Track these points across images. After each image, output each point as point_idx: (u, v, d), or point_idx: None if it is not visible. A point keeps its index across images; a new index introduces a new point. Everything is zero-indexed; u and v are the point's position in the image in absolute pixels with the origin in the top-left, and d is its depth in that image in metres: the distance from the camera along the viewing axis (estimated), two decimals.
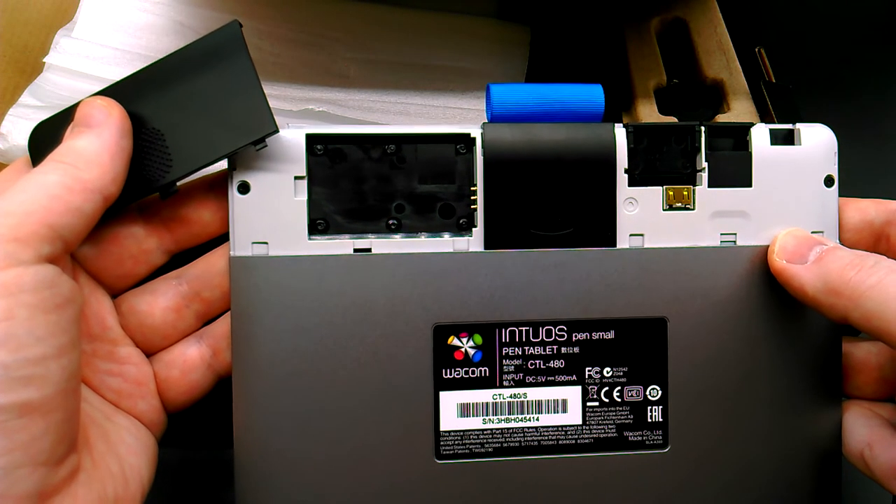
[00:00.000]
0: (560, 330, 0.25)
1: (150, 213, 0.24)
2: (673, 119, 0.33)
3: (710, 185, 0.26)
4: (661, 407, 0.26)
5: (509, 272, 0.25)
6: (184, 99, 0.23)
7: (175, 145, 0.23)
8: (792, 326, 0.26)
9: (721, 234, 0.26)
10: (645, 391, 0.26)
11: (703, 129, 0.26)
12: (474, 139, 0.25)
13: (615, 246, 0.25)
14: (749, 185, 0.26)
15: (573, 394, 0.26)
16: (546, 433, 0.25)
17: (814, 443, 0.26)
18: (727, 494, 0.26)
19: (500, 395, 0.25)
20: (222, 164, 0.24)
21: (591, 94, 0.25)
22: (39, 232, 0.20)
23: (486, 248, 0.25)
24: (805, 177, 0.26)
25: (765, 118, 0.33)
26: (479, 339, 0.25)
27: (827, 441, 0.26)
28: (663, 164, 0.26)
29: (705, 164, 0.26)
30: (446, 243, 0.25)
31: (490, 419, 0.25)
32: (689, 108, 0.35)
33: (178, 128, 0.23)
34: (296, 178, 0.25)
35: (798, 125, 0.26)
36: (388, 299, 0.25)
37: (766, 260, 0.26)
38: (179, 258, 0.25)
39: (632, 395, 0.26)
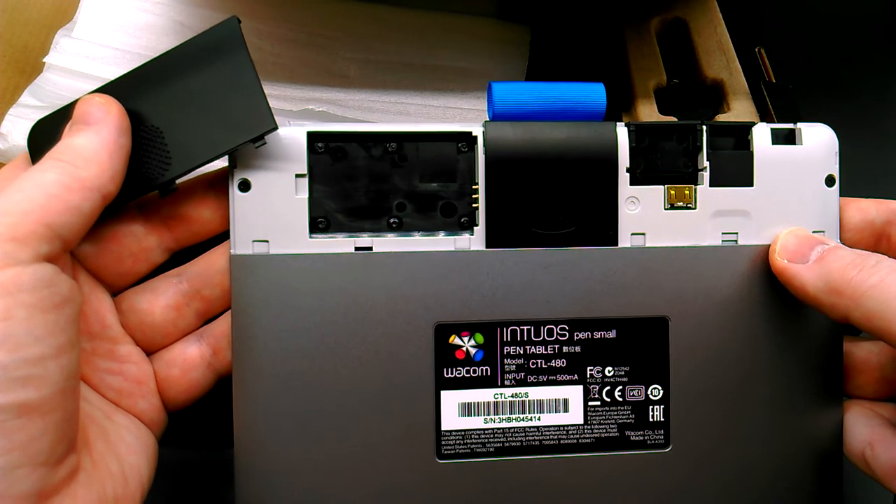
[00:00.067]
0: (561, 329, 0.25)
1: (149, 211, 0.24)
2: (673, 119, 0.33)
3: (711, 185, 0.26)
4: (662, 406, 0.26)
5: (511, 271, 0.25)
6: (182, 96, 0.23)
7: (174, 143, 0.23)
8: (793, 326, 0.26)
9: (722, 234, 0.26)
10: (646, 391, 0.26)
11: (704, 128, 0.26)
12: (476, 137, 0.25)
13: (616, 245, 0.25)
14: (750, 184, 0.26)
15: (574, 393, 0.26)
16: (547, 433, 0.25)
17: (815, 442, 0.26)
18: (728, 494, 0.26)
19: (501, 394, 0.25)
20: (222, 162, 0.24)
21: (593, 93, 0.25)
22: (37, 231, 0.20)
23: (487, 246, 0.25)
24: (806, 176, 0.26)
25: (765, 118, 0.33)
26: (480, 338, 0.25)
27: (828, 441, 0.26)
28: (665, 164, 0.26)
29: (707, 164, 0.26)
30: (447, 242, 0.25)
31: (491, 419, 0.25)
32: (689, 108, 0.35)
33: (177, 125, 0.23)
34: (297, 176, 0.24)
35: (799, 125, 0.26)
36: (389, 298, 0.25)
37: (767, 259, 0.26)
38: (180, 256, 0.25)
39: (633, 395, 0.26)
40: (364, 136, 0.25)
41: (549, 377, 0.25)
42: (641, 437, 0.26)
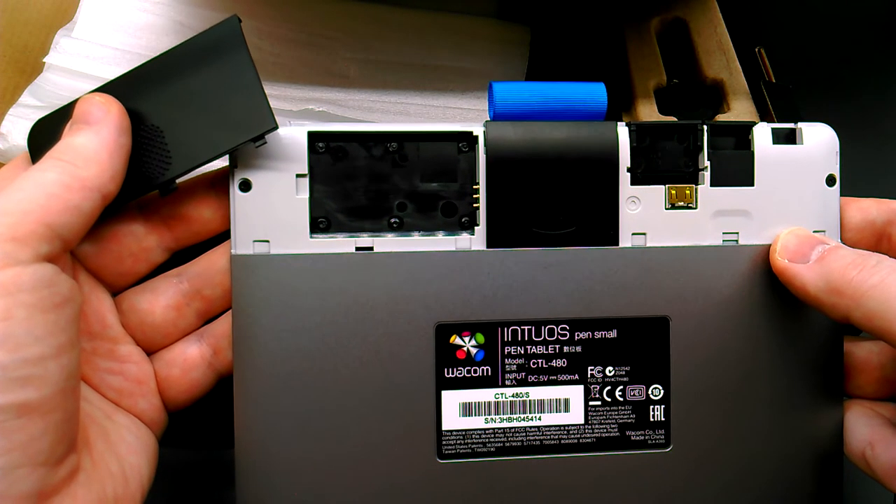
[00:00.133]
0: (562, 329, 0.25)
1: (149, 211, 0.24)
2: (673, 119, 0.33)
3: (712, 185, 0.26)
4: (663, 406, 0.26)
5: (511, 271, 0.25)
6: (183, 95, 0.23)
7: (174, 142, 0.23)
8: (794, 326, 0.26)
9: (723, 233, 0.26)
10: (647, 390, 0.26)
11: (705, 127, 0.26)
12: (477, 137, 0.25)
13: (617, 245, 0.25)
14: (751, 184, 0.26)
15: (575, 393, 0.26)
16: (548, 433, 0.25)
17: (815, 442, 0.26)
18: (729, 493, 0.26)
19: (502, 394, 0.25)
20: (223, 161, 0.24)
21: (594, 93, 0.25)
22: (37, 231, 0.20)
23: (488, 246, 0.25)
24: (807, 176, 0.26)
25: (765, 118, 0.33)
26: (481, 338, 0.25)
27: (828, 440, 0.26)
28: (665, 163, 0.26)
29: (707, 163, 0.26)
30: (448, 242, 0.25)
31: (492, 418, 0.25)
32: (689, 108, 0.35)
33: (178, 124, 0.23)
34: (297, 175, 0.24)
35: (800, 124, 0.26)
36: (390, 298, 0.25)
37: (768, 259, 0.26)
38: (180, 256, 0.25)
39: (634, 395, 0.26)
40: (365, 135, 0.25)
41: (550, 377, 0.25)
42: (642, 437, 0.26)
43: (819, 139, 0.26)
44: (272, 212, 0.24)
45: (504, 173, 0.25)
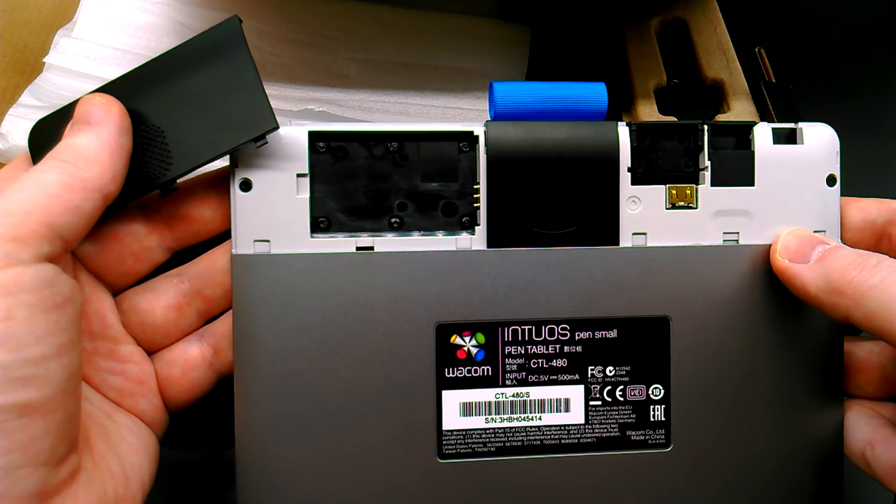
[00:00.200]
0: (563, 329, 0.25)
1: (150, 211, 0.24)
2: (673, 119, 0.33)
3: (712, 184, 0.26)
4: (663, 406, 0.26)
5: (512, 271, 0.25)
6: (183, 96, 0.23)
7: (175, 142, 0.23)
8: (794, 326, 0.26)
9: (724, 233, 0.26)
10: (647, 390, 0.26)
11: (706, 127, 0.26)
12: (477, 137, 0.25)
13: (618, 244, 0.25)
14: (751, 184, 0.26)
15: (576, 393, 0.26)
16: (548, 432, 0.25)
17: (816, 442, 0.26)
18: (729, 493, 0.26)
19: (502, 394, 0.25)
20: (223, 161, 0.24)
21: (595, 93, 0.25)
22: (39, 231, 0.20)
23: (488, 246, 0.25)
24: (807, 176, 0.26)
25: (765, 118, 0.33)
26: (481, 337, 0.25)
27: (829, 440, 0.26)
28: (666, 163, 0.26)
29: (708, 163, 0.26)
30: (449, 242, 0.25)
31: (492, 418, 0.25)
32: (689, 108, 0.35)
33: (178, 125, 0.23)
34: (298, 175, 0.24)
35: (800, 124, 0.26)
36: (391, 298, 0.25)
37: (768, 259, 0.26)
38: (181, 256, 0.25)
39: (634, 395, 0.26)
40: (365, 135, 0.25)
41: (551, 377, 0.25)
42: (642, 437, 0.26)
43: (819, 139, 0.26)
44: (273, 211, 0.24)
45: (505, 173, 0.25)
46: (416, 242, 0.25)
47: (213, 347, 0.25)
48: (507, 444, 0.25)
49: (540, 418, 0.25)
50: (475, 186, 0.25)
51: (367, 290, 0.24)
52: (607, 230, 0.25)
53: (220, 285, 0.25)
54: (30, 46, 0.35)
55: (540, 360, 0.25)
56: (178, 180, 0.24)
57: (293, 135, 0.24)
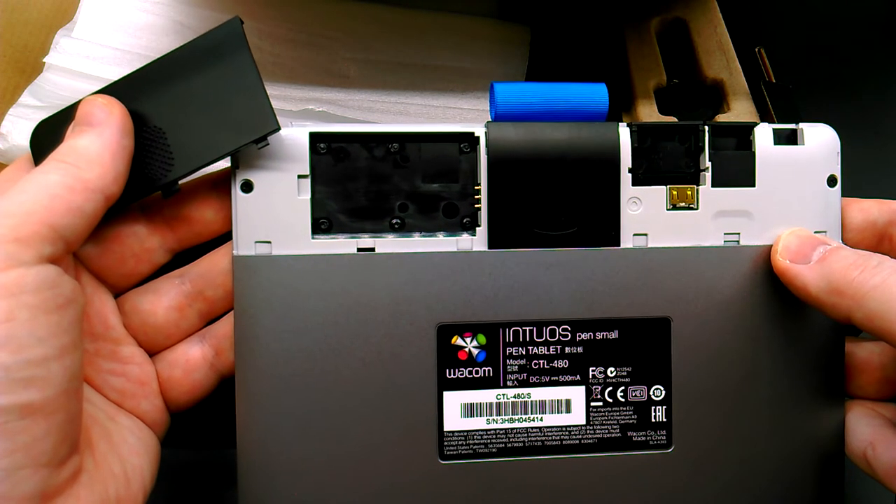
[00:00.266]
0: (564, 330, 0.25)
1: (152, 212, 0.24)
2: (673, 119, 0.33)
3: (713, 185, 0.26)
4: (664, 407, 0.26)
5: (513, 272, 0.25)
6: (185, 97, 0.23)
7: (177, 144, 0.23)
8: (795, 326, 0.26)
9: (724, 234, 0.26)
10: (649, 391, 0.26)
11: (706, 128, 0.26)
12: (478, 138, 0.25)
13: (619, 245, 0.25)
14: (752, 184, 0.26)
15: (577, 394, 0.26)
16: (550, 433, 0.25)
17: (817, 442, 0.26)
18: (730, 494, 0.26)
19: (503, 395, 0.25)
20: (225, 163, 0.24)
21: (596, 94, 0.25)
22: (40, 232, 0.20)
23: (489, 247, 0.25)
24: (808, 176, 0.26)
25: (765, 118, 0.33)
26: (482, 338, 0.25)
27: (830, 441, 0.26)
28: (667, 164, 0.26)
29: (709, 164, 0.26)
30: (450, 243, 0.25)
31: (494, 419, 0.25)
32: (689, 108, 0.35)
33: (180, 126, 0.23)
34: (299, 176, 0.24)
35: (801, 125, 0.26)
36: (392, 299, 0.25)
37: (769, 260, 0.26)
38: (182, 257, 0.25)
39: (635, 395, 0.26)
40: (366, 136, 0.25)
41: (552, 378, 0.25)
42: (644, 438, 0.26)
43: (820, 140, 0.26)
44: (274, 213, 0.24)
45: (505, 174, 0.25)
46: (417, 243, 0.25)
47: (215, 348, 0.25)
48: (509, 445, 0.25)
49: (541, 419, 0.25)
50: (476, 187, 0.25)
51: (368, 291, 0.24)
52: (608, 231, 0.25)
53: (222, 286, 0.25)
54: (30, 46, 0.35)
55: (541, 361, 0.25)
56: (180, 181, 0.24)
57: (294, 136, 0.24)
